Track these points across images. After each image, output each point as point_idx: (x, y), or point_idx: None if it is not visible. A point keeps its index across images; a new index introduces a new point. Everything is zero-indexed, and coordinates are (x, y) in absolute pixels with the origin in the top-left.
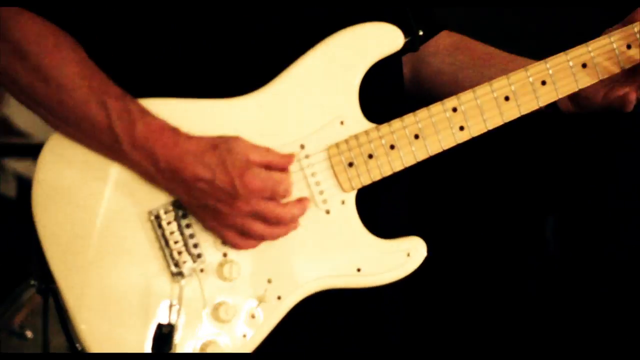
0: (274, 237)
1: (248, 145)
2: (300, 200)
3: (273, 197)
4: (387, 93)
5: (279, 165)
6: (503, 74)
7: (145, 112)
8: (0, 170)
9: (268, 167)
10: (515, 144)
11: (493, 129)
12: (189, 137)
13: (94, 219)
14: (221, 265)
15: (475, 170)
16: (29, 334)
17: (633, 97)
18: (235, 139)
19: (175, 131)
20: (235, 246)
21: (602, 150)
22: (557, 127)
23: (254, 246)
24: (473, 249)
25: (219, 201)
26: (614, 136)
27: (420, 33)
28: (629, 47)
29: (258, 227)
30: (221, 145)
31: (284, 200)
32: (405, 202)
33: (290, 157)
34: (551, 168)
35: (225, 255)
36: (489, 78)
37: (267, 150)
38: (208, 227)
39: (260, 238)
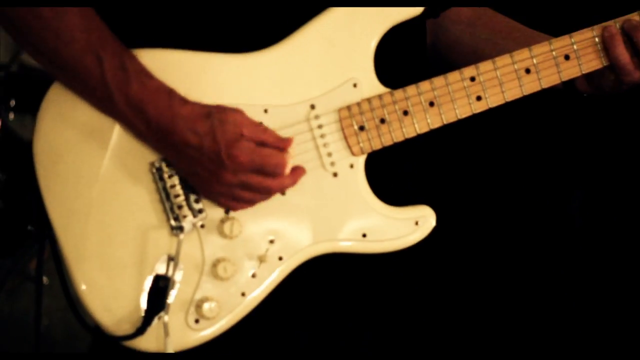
0: (266, 199)
1: (245, 119)
2: (294, 171)
3: (261, 171)
4: (407, 58)
5: (273, 144)
6: (520, 48)
7: (142, 72)
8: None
9: (261, 144)
10: (533, 117)
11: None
12: (184, 102)
13: (95, 169)
14: (222, 222)
15: (495, 142)
16: (45, 279)
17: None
18: (233, 110)
19: (171, 93)
20: (229, 208)
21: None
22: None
23: (249, 207)
24: (489, 222)
25: (206, 170)
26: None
27: None
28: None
29: (247, 195)
30: (215, 115)
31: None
32: (417, 171)
33: (287, 141)
34: (577, 141)
35: (227, 212)
36: (509, 52)
37: (265, 129)
38: (199, 191)
39: (252, 203)
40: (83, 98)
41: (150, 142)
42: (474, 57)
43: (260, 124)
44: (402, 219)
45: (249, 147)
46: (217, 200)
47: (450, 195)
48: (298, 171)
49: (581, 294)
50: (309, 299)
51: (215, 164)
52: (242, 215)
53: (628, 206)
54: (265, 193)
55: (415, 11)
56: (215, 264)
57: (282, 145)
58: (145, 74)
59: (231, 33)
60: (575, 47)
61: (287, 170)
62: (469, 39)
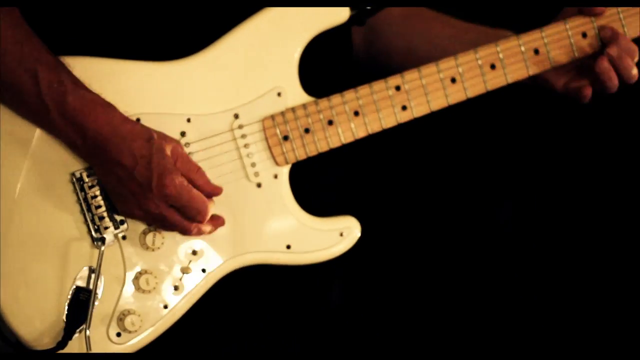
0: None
1: (183, 154)
2: (214, 220)
3: (182, 211)
4: (332, 67)
5: (203, 188)
6: (454, 43)
7: (78, 84)
8: None
9: (192, 183)
10: (466, 124)
11: (437, 110)
12: (124, 119)
13: (14, 180)
14: (144, 233)
15: (425, 150)
16: None
17: (588, 92)
18: (174, 142)
19: (109, 107)
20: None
21: (562, 136)
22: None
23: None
24: (418, 230)
25: (130, 192)
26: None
27: (368, 7)
28: (584, 35)
29: (161, 224)
30: (155, 140)
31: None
32: (343, 181)
33: (217, 189)
34: (509, 150)
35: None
36: (441, 47)
37: (199, 169)
38: (117, 208)
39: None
40: (14, 110)
41: (82, 154)
42: (409, 56)
43: (198, 167)
44: (326, 230)
45: (180, 182)
46: (133, 216)
47: (377, 205)
48: (218, 221)
49: (511, 301)
50: (235, 309)
51: (141, 189)
52: None
53: (555, 216)
54: (181, 232)
55: (339, 19)
56: (137, 276)
57: (211, 191)
58: (81, 87)
59: (159, 40)
60: (501, 55)
61: (206, 219)
62: (402, 38)
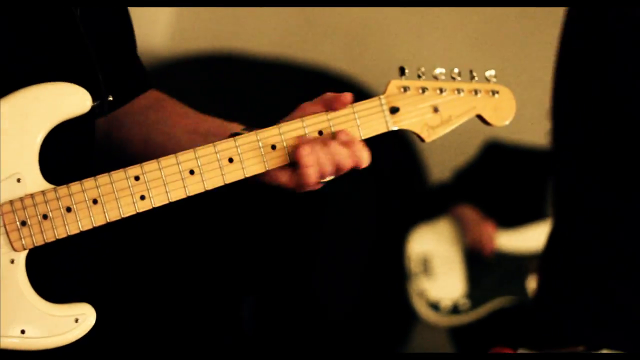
0: None
1: None
2: None
3: None
4: (75, 155)
5: None
6: (189, 135)
7: None
8: None
9: None
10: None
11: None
12: None
13: None
14: None
15: (173, 243)
16: None
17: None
18: None
19: None
20: None
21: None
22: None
23: None
24: (162, 322)
25: None
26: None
27: (110, 98)
28: (320, 133)
29: None
30: None
31: None
32: (83, 267)
33: None
34: (252, 246)
35: None
36: (175, 139)
37: None
38: None
39: None
40: None
41: None
42: (146, 147)
43: None
44: (61, 316)
45: None
46: None
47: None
48: None
49: None
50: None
51: None
52: None
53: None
54: None
55: (81, 109)
56: None
57: None
58: None
59: None
60: (239, 150)
61: None
62: (140, 129)
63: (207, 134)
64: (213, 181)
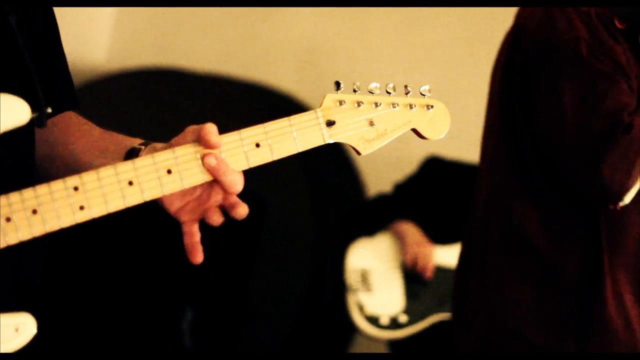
0: None
1: None
2: None
3: None
4: (15, 166)
5: None
6: (89, 151)
7: None
8: None
9: None
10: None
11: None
12: None
13: None
14: None
15: (109, 251)
16: None
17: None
18: None
19: None
20: None
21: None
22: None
23: None
24: (107, 331)
25: None
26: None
27: (49, 110)
28: (257, 145)
29: None
30: None
31: None
32: (28, 275)
33: None
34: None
35: None
36: (74, 156)
37: None
38: None
39: None
40: None
41: None
42: (51, 164)
43: None
44: (2, 325)
45: None
46: None
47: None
48: None
49: None
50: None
51: None
52: None
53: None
54: None
55: (20, 120)
56: None
57: None
58: None
59: None
60: (177, 160)
61: None
62: (44, 146)
63: (105, 150)
64: (152, 192)
